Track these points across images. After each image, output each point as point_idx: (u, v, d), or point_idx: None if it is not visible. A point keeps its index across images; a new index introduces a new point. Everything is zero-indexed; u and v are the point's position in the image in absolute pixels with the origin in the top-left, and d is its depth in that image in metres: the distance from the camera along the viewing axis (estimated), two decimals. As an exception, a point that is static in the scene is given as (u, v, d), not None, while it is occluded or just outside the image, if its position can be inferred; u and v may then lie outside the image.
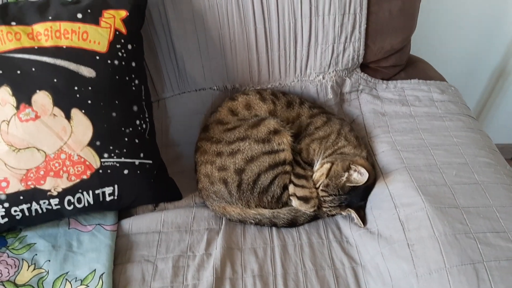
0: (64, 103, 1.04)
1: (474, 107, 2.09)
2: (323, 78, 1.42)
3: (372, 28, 1.40)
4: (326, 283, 1.08)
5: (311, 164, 1.23)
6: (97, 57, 1.08)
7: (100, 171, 1.09)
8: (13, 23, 1.05)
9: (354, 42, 1.40)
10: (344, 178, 1.15)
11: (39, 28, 1.05)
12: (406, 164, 1.19)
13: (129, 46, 1.13)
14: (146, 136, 1.18)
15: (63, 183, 1.07)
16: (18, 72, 1.02)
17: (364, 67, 1.48)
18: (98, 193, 1.11)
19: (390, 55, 1.47)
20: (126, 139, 1.11)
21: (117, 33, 1.10)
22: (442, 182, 1.13)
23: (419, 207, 1.07)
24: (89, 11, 1.09)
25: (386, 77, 1.50)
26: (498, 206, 1.06)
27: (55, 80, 1.04)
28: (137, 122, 1.15)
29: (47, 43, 1.05)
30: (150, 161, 1.17)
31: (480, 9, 1.78)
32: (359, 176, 1.14)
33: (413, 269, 0.99)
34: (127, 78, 1.12)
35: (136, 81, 1.15)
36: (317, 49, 1.38)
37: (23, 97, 1.02)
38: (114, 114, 1.09)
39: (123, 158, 1.11)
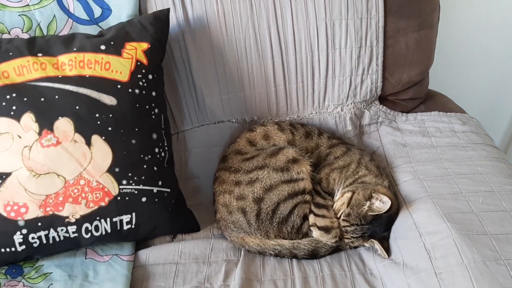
0: (85, 129, 1.06)
1: (499, 144, 2.04)
2: (342, 110, 1.42)
3: (389, 60, 1.41)
4: (350, 316, 1.03)
5: (331, 194, 1.21)
6: (119, 86, 1.10)
7: (118, 198, 1.08)
8: (40, 54, 1.09)
9: (371, 75, 1.40)
10: (366, 207, 1.12)
11: (63, 58, 1.09)
12: (429, 193, 1.16)
13: (150, 76, 1.15)
14: (165, 164, 1.18)
15: (81, 210, 1.07)
16: (42, 99, 1.05)
17: (383, 100, 1.48)
18: (116, 221, 1.10)
19: (408, 87, 1.47)
20: (145, 166, 1.12)
21: (139, 63, 1.13)
22: (469, 209, 1.09)
23: (445, 234, 1.03)
24: (112, 43, 1.13)
25: (405, 110, 1.50)
26: (529, 233, 1.01)
27: (77, 108, 1.06)
28: (156, 150, 1.15)
29: (71, 72, 1.08)
30: (168, 190, 1.16)
31: (501, 42, 1.79)
32: (381, 204, 1.11)
33: (442, 298, 0.94)
34: (147, 107, 1.14)
35: (156, 110, 1.16)
36: (335, 81, 1.39)
37: (45, 124, 1.04)
38: (133, 141, 1.10)
39: (141, 186, 1.10)
